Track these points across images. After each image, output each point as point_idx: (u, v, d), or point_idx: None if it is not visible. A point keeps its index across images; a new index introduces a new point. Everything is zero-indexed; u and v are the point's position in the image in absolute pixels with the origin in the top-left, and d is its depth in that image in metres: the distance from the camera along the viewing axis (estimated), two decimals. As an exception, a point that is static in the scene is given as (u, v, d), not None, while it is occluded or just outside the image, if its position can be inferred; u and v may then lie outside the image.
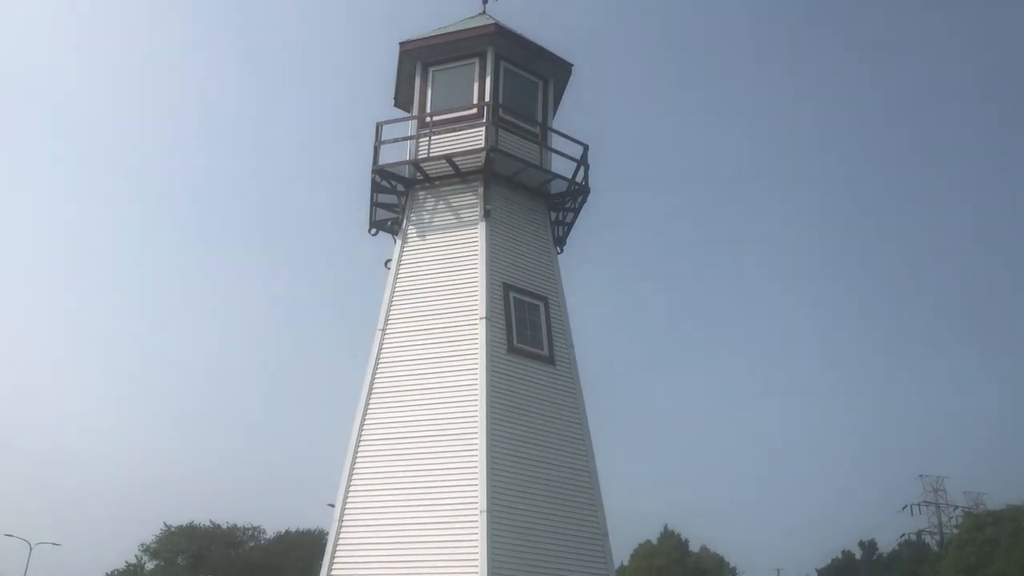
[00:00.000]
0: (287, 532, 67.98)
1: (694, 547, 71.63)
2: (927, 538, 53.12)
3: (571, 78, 18.62)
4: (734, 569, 68.38)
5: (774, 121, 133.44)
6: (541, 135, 17.79)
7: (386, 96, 18.91)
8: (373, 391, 15.32)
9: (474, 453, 13.96)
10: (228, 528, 68.22)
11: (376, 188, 17.48)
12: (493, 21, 17.74)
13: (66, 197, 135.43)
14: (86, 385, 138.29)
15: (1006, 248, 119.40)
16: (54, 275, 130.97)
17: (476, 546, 13.18)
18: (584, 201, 17.82)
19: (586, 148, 17.49)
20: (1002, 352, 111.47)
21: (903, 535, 51.31)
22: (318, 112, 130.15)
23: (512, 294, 16.01)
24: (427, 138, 17.03)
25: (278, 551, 66.20)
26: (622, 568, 62.50)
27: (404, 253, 16.67)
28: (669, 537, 70.76)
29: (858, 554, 50.88)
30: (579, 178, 17.46)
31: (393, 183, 17.36)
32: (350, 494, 14.55)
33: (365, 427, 15.02)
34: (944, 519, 57.65)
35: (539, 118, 17.95)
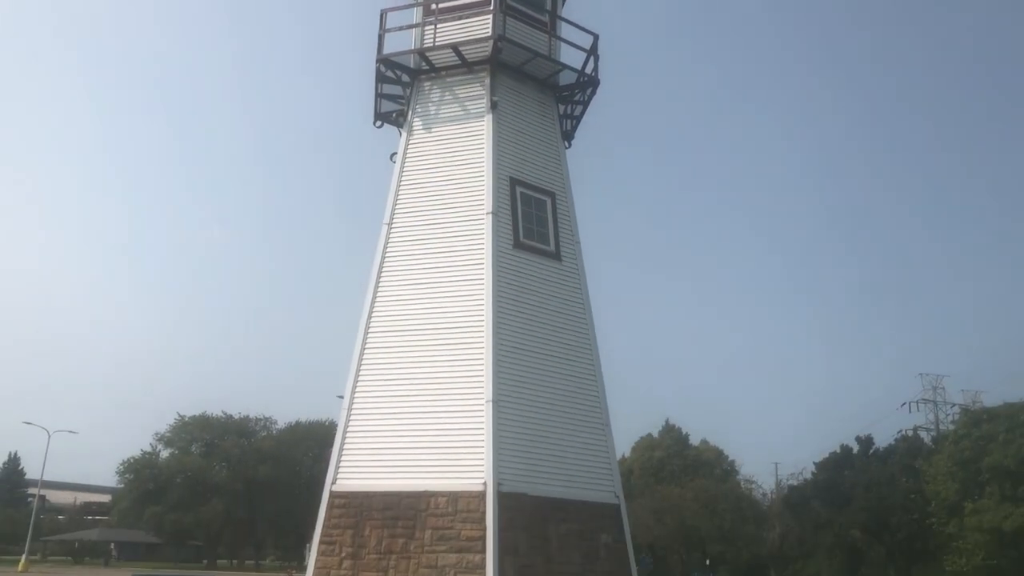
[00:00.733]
0: (298, 423, 69.51)
1: (694, 440, 73.22)
2: (923, 434, 54.17)
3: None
4: (733, 462, 69.98)
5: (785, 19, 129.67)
6: (550, 24, 17.26)
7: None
8: (380, 284, 15.35)
9: (480, 346, 14.08)
10: (240, 419, 69.79)
11: (381, 79, 17.09)
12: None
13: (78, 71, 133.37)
14: (106, 281, 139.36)
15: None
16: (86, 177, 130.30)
17: (482, 435, 13.44)
18: (593, 94, 17.44)
19: (596, 38, 17.00)
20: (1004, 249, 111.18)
21: (900, 431, 52.27)
22: None
23: (519, 189, 15.83)
24: (432, 26, 16.53)
25: (289, 440, 67.89)
26: (623, 459, 64.05)
27: (409, 146, 16.42)
28: (670, 431, 72.26)
29: (855, 449, 51.91)
30: (589, 69, 17.02)
31: (398, 73, 16.95)
32: (358, 385, 14.76)
33: (372, 320, 15.11)
34: (941, 416, 58.68)
35: (548, 5, 17.37)
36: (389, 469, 13.94)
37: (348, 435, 14.53)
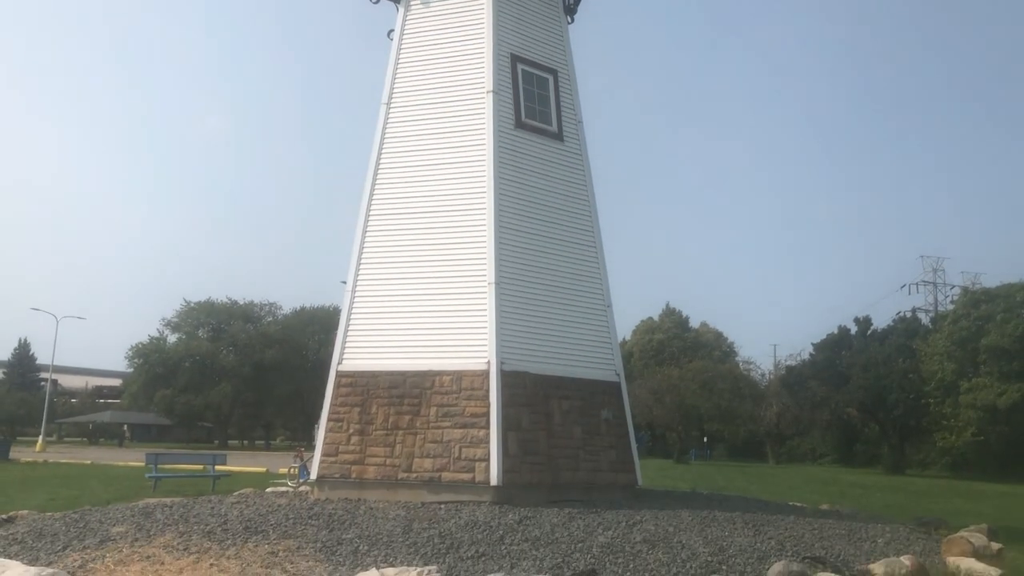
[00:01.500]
0: (303, 308, 70.34)
1: (694, 323, 74.11)
2: (922, 316, 54.71)
3: None
4: (732, 344, 70.99)
5: None
6: None
7: None
8: (380, 166, 15.16)
9: (483, 226, 14.01)
10: (245, 304, 70.54)
11: (376, -51, 16.38)
12: None
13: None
14: (110, 167, 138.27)
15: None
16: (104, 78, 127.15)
17: (485, 316, 13.55)
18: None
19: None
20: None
21: (899, 312, 52.74)
22: None
23: (520, 66, 15.42)
24: None
25: (295, 325, 68.85)
26: (624, 342, 65.05)
27: (407, 22, 15.91)
28: (670, 314, 73.07)
29: (853, 330, 52.54)
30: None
31: (394, -56, 16.24)
32: (361, 267, 14.77)
33: (374, 202, 15.00)
34: (941, 298, 59.18)
35: None
36: (394, 349, 14.10)
37: (352, 317, 14.63)
